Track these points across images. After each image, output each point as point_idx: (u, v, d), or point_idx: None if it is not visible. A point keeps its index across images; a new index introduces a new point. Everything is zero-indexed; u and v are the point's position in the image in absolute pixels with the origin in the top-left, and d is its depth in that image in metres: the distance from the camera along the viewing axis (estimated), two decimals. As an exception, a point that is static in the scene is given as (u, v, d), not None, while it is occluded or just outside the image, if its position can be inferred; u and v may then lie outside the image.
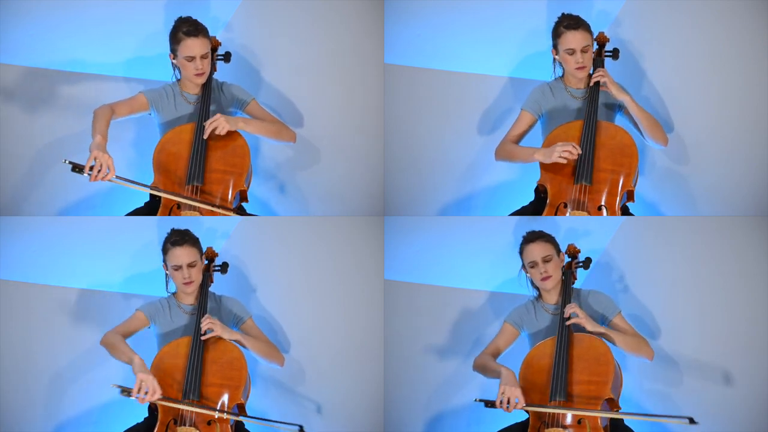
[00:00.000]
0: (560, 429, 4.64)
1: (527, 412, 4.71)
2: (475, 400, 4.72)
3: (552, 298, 4.86)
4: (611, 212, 4.83)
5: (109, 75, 5.12)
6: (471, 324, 5.10)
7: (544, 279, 4.81)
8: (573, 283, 4.87)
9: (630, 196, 4.85)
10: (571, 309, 4.74)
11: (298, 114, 5.17)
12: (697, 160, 5.08)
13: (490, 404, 4.66)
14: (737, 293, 4.99)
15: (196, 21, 4.90)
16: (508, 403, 4.63)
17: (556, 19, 4.91)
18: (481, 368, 4.84)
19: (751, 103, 5.06)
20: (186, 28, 4.86)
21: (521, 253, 4.86)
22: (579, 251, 4.90)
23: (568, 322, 4.74)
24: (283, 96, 5.17)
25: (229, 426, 4.71)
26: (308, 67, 5.18)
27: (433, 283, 5.14)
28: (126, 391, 4.61)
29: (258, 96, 5.08)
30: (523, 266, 4.87)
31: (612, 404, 4.68)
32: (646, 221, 5.04)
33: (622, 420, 4.72)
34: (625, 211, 4.89)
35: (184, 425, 4.67)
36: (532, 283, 4.88)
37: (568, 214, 4.85)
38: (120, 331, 4.78)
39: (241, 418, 4.73)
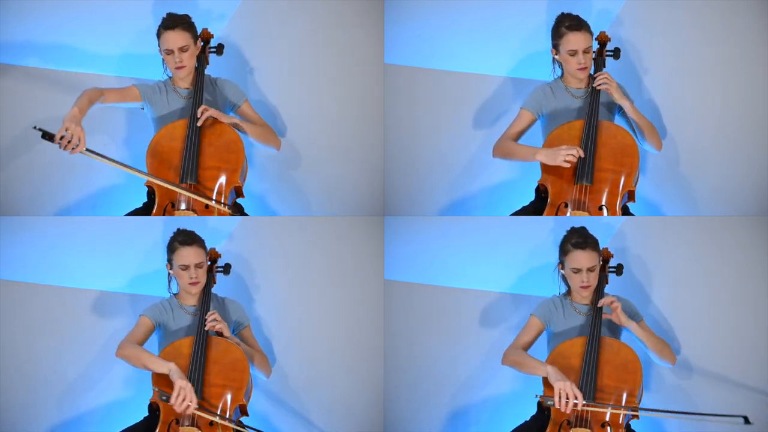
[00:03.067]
0: (586, 429, 4.62)
1: (549, 408, 4.68)
2: (536, 396, 4.64)
3: (584, 299, 4.84)
4: (612, 212, 4.83)
5: (108, 75, 5.11)
6: (471, 324, 5.09)
7: (584, 287, 4.77)
8: (605, 287, 4.84)
9: (631, 196, 4.85)
10: (608, 301, 4.72)
11: (298, 114, 5.16)
12: (698, 160, 5.09)
13: (548, 402, 4.57)
14: (739, 293, 5.00)
15: (179, 15, 4.86)
16: (567, 398, 4.56)
17: (555, 19, 4.91)
18: (516, 364, 4.71)
19: (753, 102, 5.06)
20: (166, 21, 4.85)
21: (566, 253, 4.78)
22: (612, 255, 4.86)
23: (604, 316, 4.72)
24: (282, 96, 5.16)
25: (231, 427, 4.70)
26: (308, 67, 5.17)
27: (433, 283, 5.13)
28: (165, 396, 4.61)
29: (257, 95, 5.07)
30: (561, 263, 4.81)
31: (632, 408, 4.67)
32: (646, 221, 5.05)
33: (628, 425, 4.73)
34: (625, 211, 4.89)
35: (186, 425, 4.66)
36: (564, 280, 4.85)
37: (568, 214, 4.85)
38: (133, 340, 4.75)
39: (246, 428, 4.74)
